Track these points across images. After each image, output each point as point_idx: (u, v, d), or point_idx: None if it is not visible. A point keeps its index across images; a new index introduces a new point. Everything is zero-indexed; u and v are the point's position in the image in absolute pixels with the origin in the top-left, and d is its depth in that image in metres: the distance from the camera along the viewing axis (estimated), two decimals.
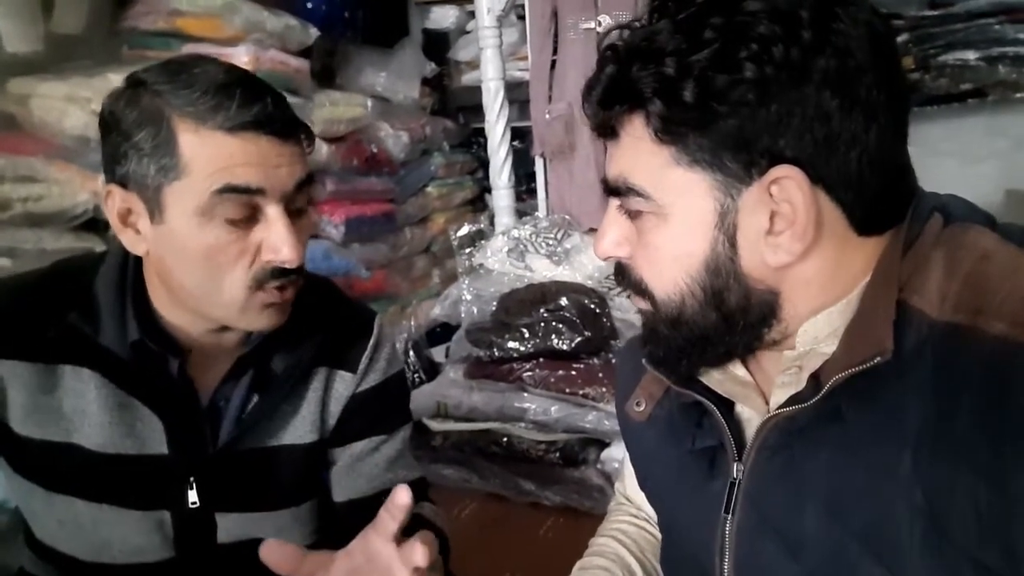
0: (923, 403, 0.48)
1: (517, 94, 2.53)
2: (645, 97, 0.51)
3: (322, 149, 1.98)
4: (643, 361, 0.64)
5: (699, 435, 0.63)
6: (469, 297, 1.96)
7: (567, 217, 2.18)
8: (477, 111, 2.42)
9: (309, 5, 2.10)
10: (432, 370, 2.05)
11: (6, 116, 1.51)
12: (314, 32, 1.98)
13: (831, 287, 0.53)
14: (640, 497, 0.79)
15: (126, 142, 0.67)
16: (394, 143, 2.38)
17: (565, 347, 1.66)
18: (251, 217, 0.68)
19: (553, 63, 2.22)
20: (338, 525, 0.83)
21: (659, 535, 0.75)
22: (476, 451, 1.63)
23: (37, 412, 0.73)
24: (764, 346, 0.57)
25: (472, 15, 2.58)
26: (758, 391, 0.60)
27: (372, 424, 0.85)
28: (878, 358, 0.48)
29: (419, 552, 0.60)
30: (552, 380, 1.65)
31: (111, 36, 1.72)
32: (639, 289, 0.58)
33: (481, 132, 2.58)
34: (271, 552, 0.63)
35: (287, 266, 0.70)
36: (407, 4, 2.69)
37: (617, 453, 1.52)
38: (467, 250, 2.16)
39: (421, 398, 1.73)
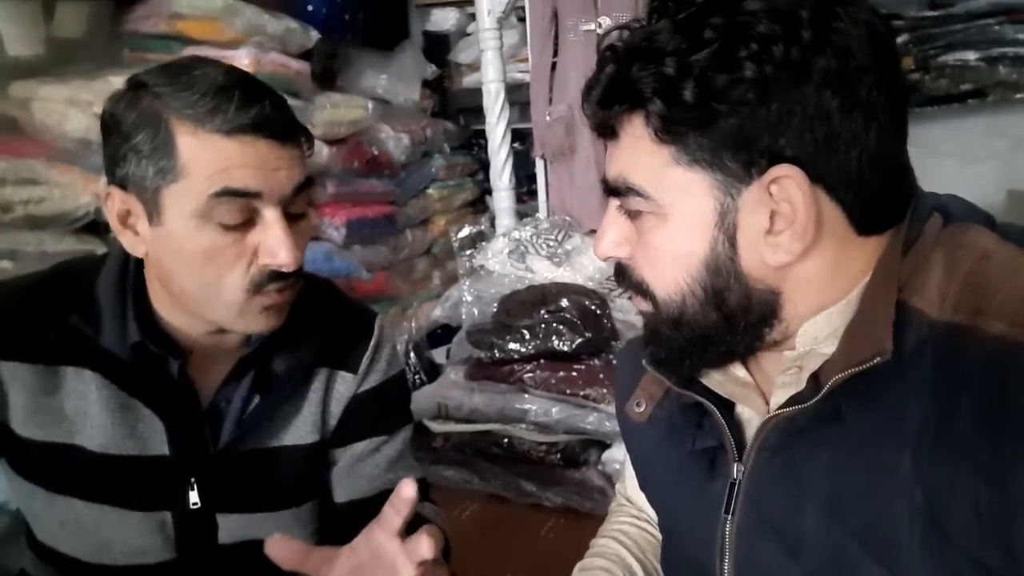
0: (923, 403, 0.48)
1: (517, 96, 2.53)
2: (645, 97, 0.51)
3: (323, 151, 1.98)
4: (643, 362, 0.64)
5: (699, 436, 0.63)
6: (470, 299, 1.96)
7: (568, 219, 2.18)
8: (478, 113, 2.42)
9: (310, 8, 2.10)
10: (433, 371, 2.04)
11: (8, 119, 1.51)
12: (315, 35, 1.98)
13: (831, 287, 0.54)
14: (641, 498, 0.79)
15: (125, 144, 0.67)
16: (395, 145, 2.39)
17: (566, 348, 1.66)
18: (249, 220, 0.68)
19: (554, 65, 2.22)
20: (339, 526, 0.83)
21: (660, 536, 0.75)
22: (477, 452, 1.63)
23: (39, 413, 0.73)
24: (765, 346, 0.57)
25: (472, 17, 2.59)
26: (758, 392, 0.60)
27: (373, 425, 0.85)
28: (878, 358, 0.48)
29: (425, 544, 0.60)
30: (553, 381, 1.65)
31: (112, 39, 1.73)
32: (640, 289, 0.58)
33: (482, 134, 2.58)
34: (277, 547, 0.63)
35: (284, 270, 0.69)
36: (407, 6, 2.70)
37: (618, 454, 1.52)
38: (468, 252, 2.16)
39: (422, 399, 1.73)
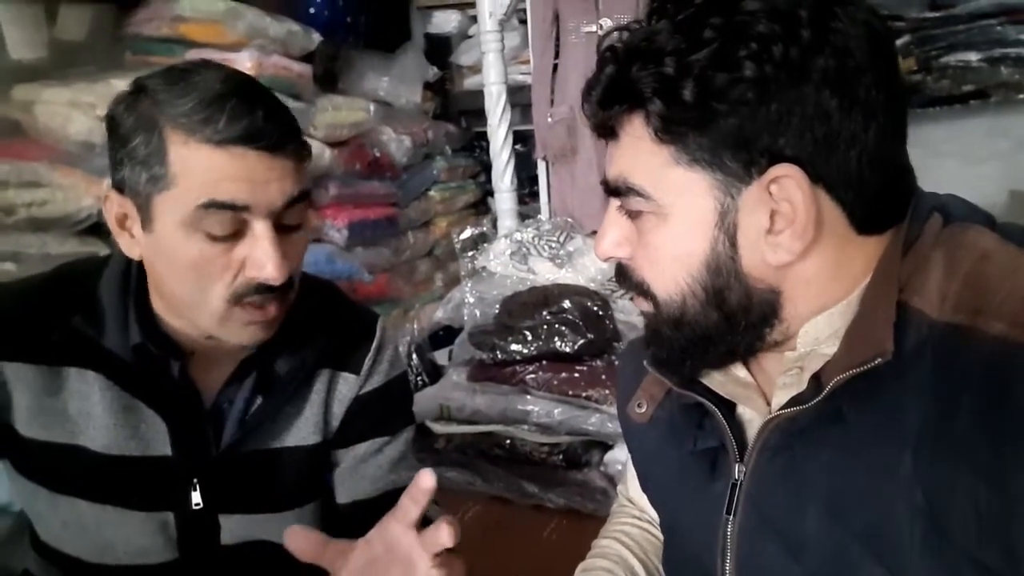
0: (923, 403, 0.48)
1: (519, 98, 2.54)
2: (645, 97, 0.51)
3: (324, 154, 1.99)
4: (645, 363, 0.64)
5: (700, 436, 0.63)
6: (472, 300, 1.96)
7: (569, 220, 2.18)
8: (479, 115, 2.42)
9: (312, 10, 2.10)
10: (435, 373, 2.05)
11: (11, 122, 1.52)
12: (317, 37, 1.98)
13: (832, 287, 0.54)
14: (642, 499, 0.79)
15: (122, 148, 0.67)
16: (396, 147, 2.39)
17: (568, 349, 1.66)
18: (238, 231, 0.67)
19: (555, 67, 2.22)
20: (341, 527, 0.83)
21: (661, 536, 0.75)
22: (479, 454, 1.63)
23: (42, 414, 0.73)
24: (766, 347, 0.57)
25: (474, 19, 2.59)
26: (759, 392, 0.60)
27: (375, 426, 0.85)
28: (879, 359, 0.48)
29: (445, 532, 0.59)
30: (555, 382, 1.65)
31: (114, 42, 1.73)
32: (640, 290, 0.58)
33: (483, 136, 2.58)
34: (296, 539, 0.63)
35: (271, 283, 0.68)
36: (409, 9, 2.70)
37: (620, 455, 1.52)
38: (470, 253, 2.16)
39: (424, 401, 1.73)
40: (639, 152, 0.54)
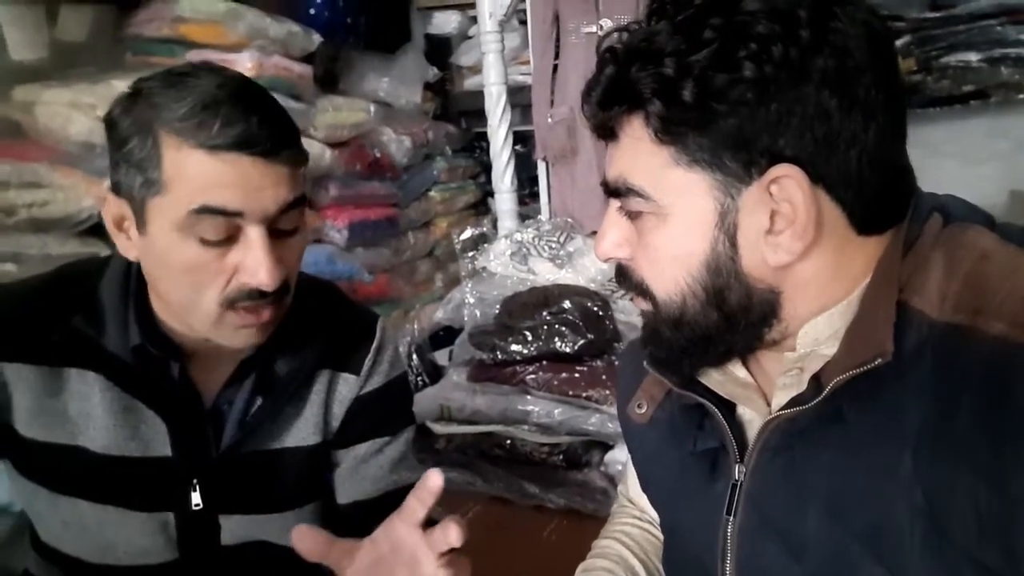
0: (923, 403, 0.48)
1: (519, 98, 2.54)
2: (644, 97, 0.51)
3: (325, 154, 1.99)
4: (644, 363, 0.64)
5: (700, 437, 0.63)
6: (472, 300, 1.96)
7: (569, 220, 2.18)
8: (479, 115, 2.43)
9: (312, 11, 2.11)
10: (435, 373, 2.05)
11: (11, 123, 1.52)
12: (317, 38, 1.98)
13: (832, 287, 0.54)
14: (643, 499, 0.79)
15: (118, 151, 0.67)
16: (397, 148, 2.39)
17: (568, 350, 1.66)
18: (231, 237, 0.67)
19: (555, 67, 2.22)
20: (342, 527, 0.83)
21: (662, 537, 0.75)
22: (480, 454, 1.63)
23: (43, 415, 0.73)
24: (764, 346, 0.57)
25: (474, 20, 2.59)
26: (759, 393, 0.60)
27: (375, 426, 0.85)
28: (879, 359, 0.48)
29: (453, 532, 0.59)
30: (555, 383, 1.65)
31: (115, 43, 1.73)
32: (640, 290, 0.58)
33: (483, 136, 2.59)
34: (302, 537, 0.63)
35: (263, 289, 0.68)
36: (409, 10, 2.70)
37: (620, 455, 1.52)
38: (470, 254, 2.16)
39: (424, 401, 1.73)
40: (639, 153, 0.54)
